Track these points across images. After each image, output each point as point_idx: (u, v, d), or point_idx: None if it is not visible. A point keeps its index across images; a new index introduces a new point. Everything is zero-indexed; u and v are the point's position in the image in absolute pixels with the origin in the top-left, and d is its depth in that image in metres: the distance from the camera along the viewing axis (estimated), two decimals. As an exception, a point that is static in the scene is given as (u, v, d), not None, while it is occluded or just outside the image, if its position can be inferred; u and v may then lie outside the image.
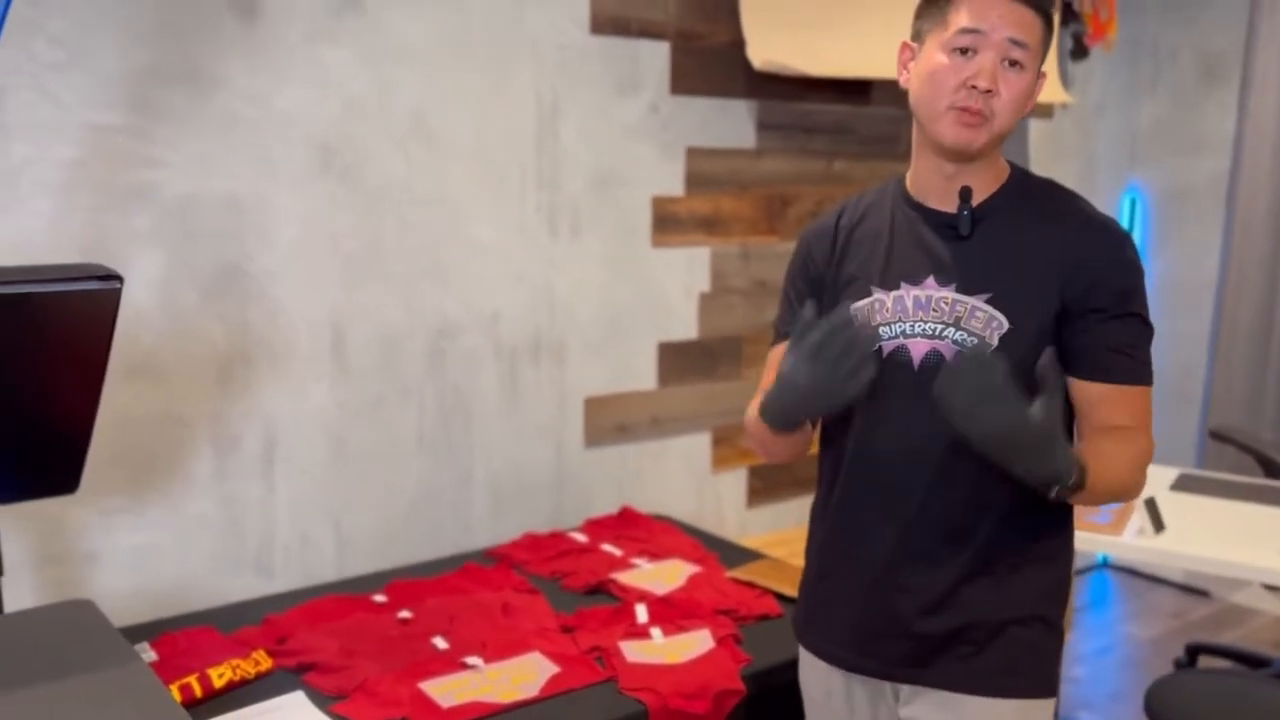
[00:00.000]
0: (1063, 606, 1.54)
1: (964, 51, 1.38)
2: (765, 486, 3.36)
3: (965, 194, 1.44)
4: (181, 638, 1.94)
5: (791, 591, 2.18)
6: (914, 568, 1.46)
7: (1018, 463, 1.31)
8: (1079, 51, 3.92)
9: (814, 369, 1.34)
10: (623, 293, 2.93)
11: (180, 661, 1.82)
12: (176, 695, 1.71)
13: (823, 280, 1.56)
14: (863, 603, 1.49)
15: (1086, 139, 4.17)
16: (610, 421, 2.95)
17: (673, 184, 2.98)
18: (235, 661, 1.83)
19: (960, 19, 1.38)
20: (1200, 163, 4.08)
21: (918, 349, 1.43)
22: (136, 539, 2.25)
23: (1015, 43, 1.38)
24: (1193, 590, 4.13)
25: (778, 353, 1.58)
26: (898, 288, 1.46)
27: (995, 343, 1.40)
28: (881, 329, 1.45)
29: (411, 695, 1.75)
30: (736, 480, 3.29)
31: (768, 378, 1.58)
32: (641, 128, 2.89)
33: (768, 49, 2.91)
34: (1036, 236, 1.44)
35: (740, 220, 3.14)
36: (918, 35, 1.45)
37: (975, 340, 1.41)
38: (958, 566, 1.44)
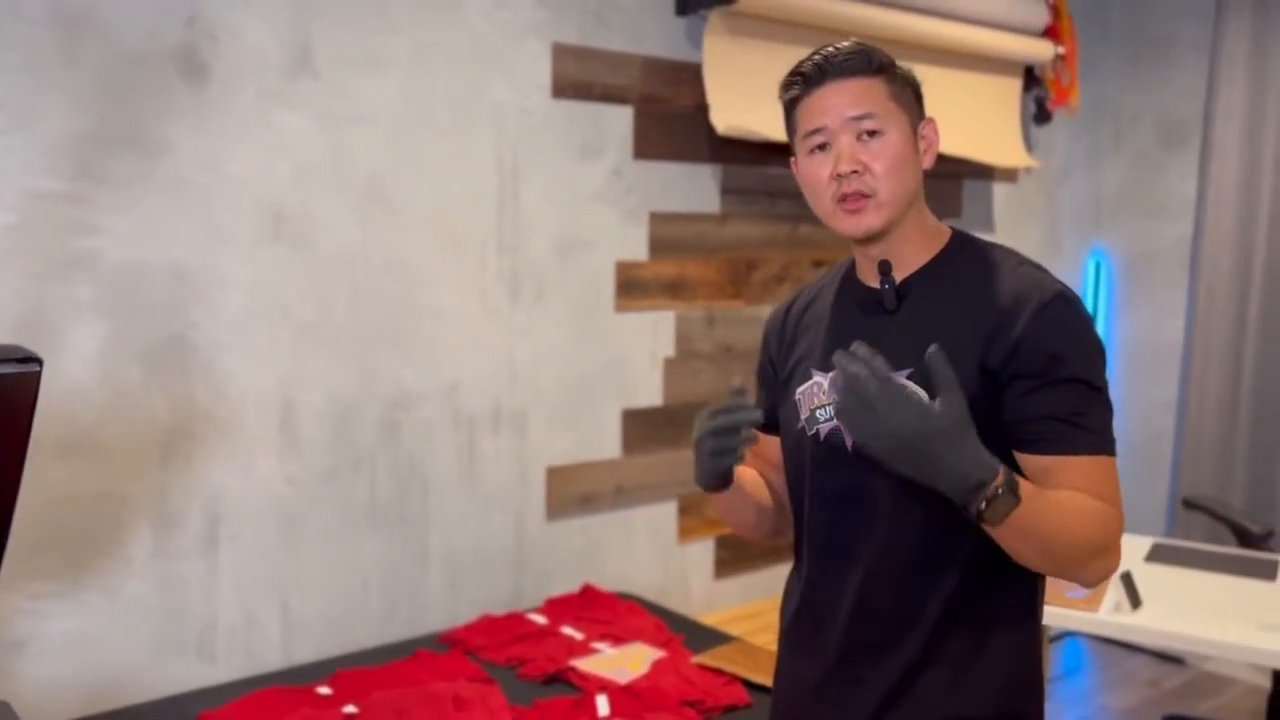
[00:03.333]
0: (1037, 702, 1.46)
1: (821, 148, 1.38)
2: (733, 557, 3.28)
3: (884, 268, 1.42)
4: (110, 739, 1.82)
5: (761, 678, 2.09)
6: (865, 657, 1.39)
7: (929, 466, 1.23)
8: (1042, 116, 3.93)
9: (697, 451, 1.40)
10: (586, 359, 2.85)
11: (107, 766, 1.70)
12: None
13: (776, 366, 1.56)
14: (816, 694, 1.44)
15: (1050, 202, 4.17)
16: (573, 491, 2.85)
17: (637, 248, 2.92)
18: (166, 766, 1.71)
19: (804, 123, 1.39)
20: (1164, 226, 4.08)
21: None
22: (68, 625, 2.12)
23: (858, 118, 1.36)
24: (1167, 658, 4.07)
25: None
26: (832, 368, 1.38)
27: None
28: (818, 412, 1.43)
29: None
30: (704, 551, 3.20)
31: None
32: (605, 192, 2.84)
33: (731, 114, 2.87)
34: (961, 305, 1.39)
35: (705, 284, 3.08)
36: (792, 149, 1.45)
37: None
38: (907, 654, 1.36)
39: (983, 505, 1.23)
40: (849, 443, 1.41)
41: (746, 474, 1.58)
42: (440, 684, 2.06)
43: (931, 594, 1.38)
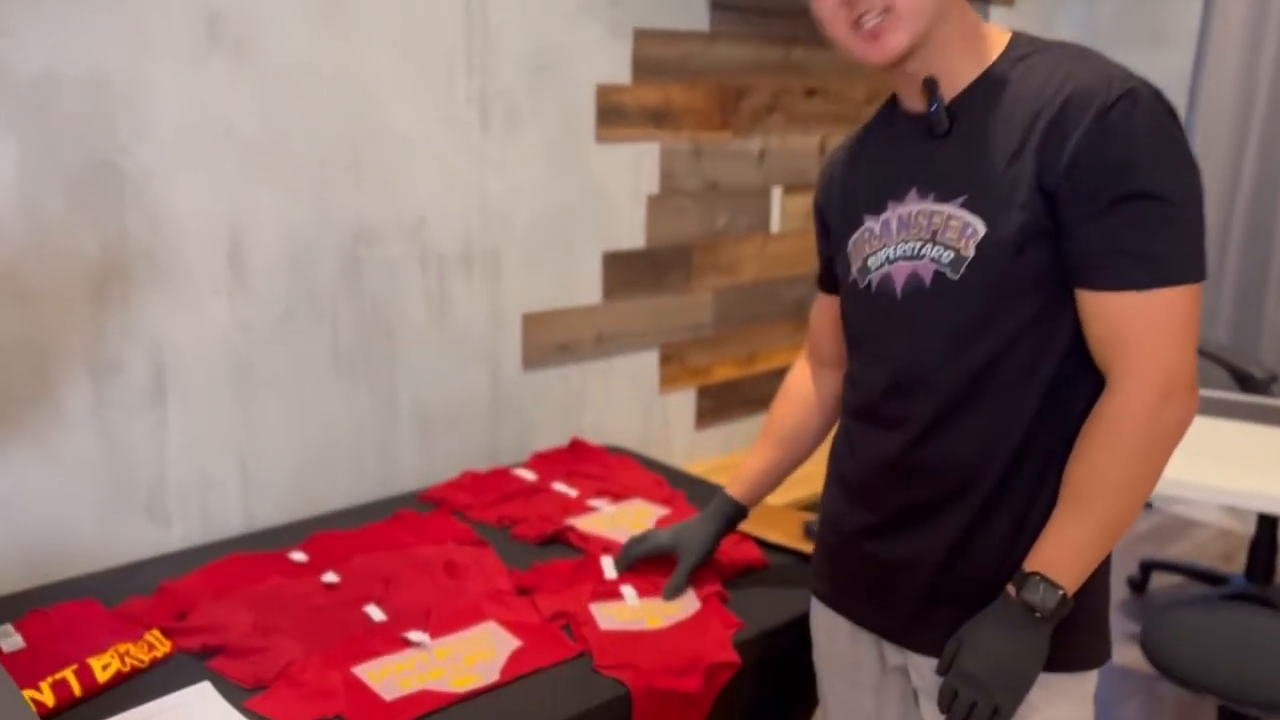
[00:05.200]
0: (1102, 576, 1.33)
1: None
2: (715, 406, 3.11)
3: (930, 85, 1.25)
4: (55, 616, 1.60)
5: (774, 535, 1.93)
6: (915, 516, 1.33)
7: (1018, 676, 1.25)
8: (1045, -66, 3.63)
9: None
10: (564, 195, 2.59)
11: (54, 648, 1.48)
12: (48, 697, 1.38)
13: (830, 219, 1.47)
14: (863, 552, 1.39)
15: (1048, 29, 3.91)
16: (551, 339, 2.63)
17: (619, 70, 2.62)
18: (124, 647, 1.50)
19: None
20: (1163, 57, 3.87)
21: (899, 275, 1.30)
22: (-2, 489, 1.88)
23: None
24: (1140, 504, 4.04)
25: (819, 303, 1.61)
26: (884, 209, 1.33)
27: (971, 252, 1.21)
28: (869, 260, 1.34)
29: (346, 683, 1.45)
30: (685, 401, 3.02)
31: (811, 328, 1.63)
32: (585, 5, 2.52)
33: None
34: (1020, 117, 1.20)
35: (691, 113, 2.81)
36: None
37: (952, 254, 1.23)
38: (963, 515, 1.29)
39: (1035, 610, 1.22)
40: (899, 291, 1.30)
41: (760, 463, 1.70)
42: (428, 547, 1.87)
43: (988, 444, 1.27)
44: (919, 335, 1.29)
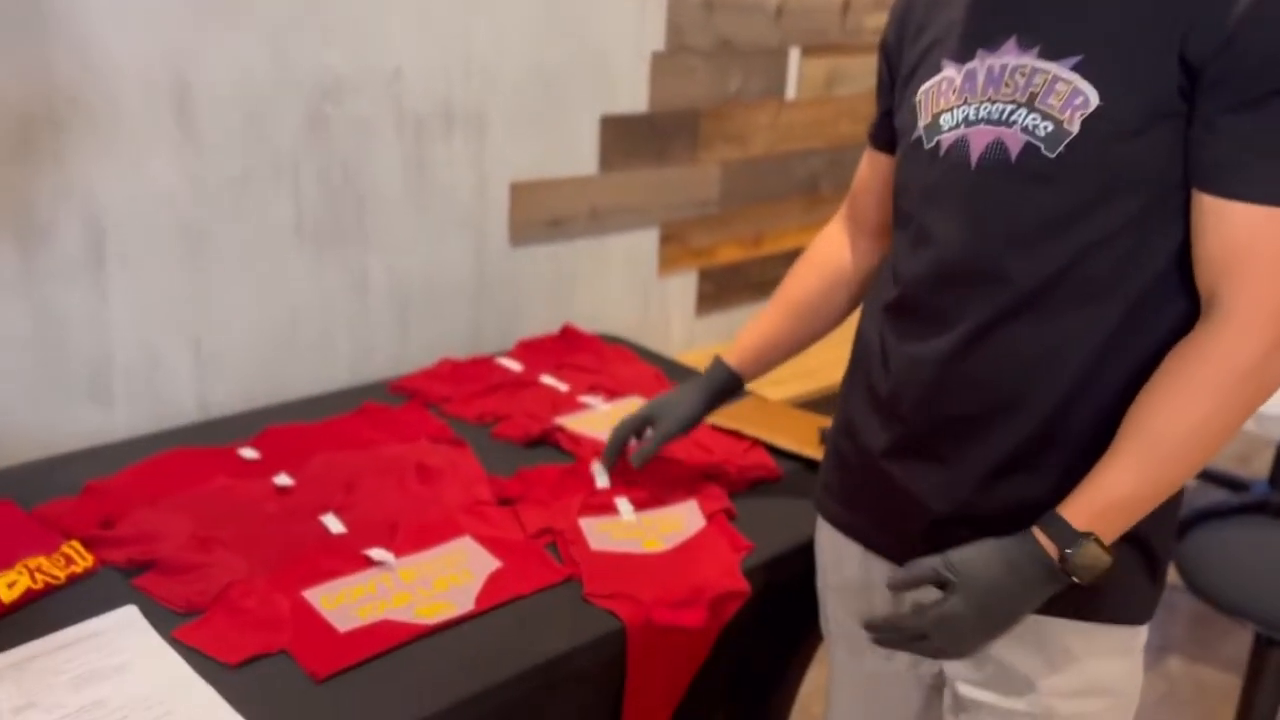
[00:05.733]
0: (1169, 525, 1.14)
1: None
2: (717, 291, 2.87)
3: None
4: (-39, 520, 1.39)
5: (786, 442, 1.72)
6: (954, 431, 1.12)
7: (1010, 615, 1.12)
8: None
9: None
10: (558, 48, 2.30)
11: (-44, 559, 1.27)
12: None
13: (899, 58, 1.22)
14: (882, 471, 1.19)
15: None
16: (541, 213, 2.38)
17: (624, -93, 2.31)
18: (36, 561, 1.28)
19: None
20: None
21: (979, 140, 1.07)
22: (-93, 367, 1.65)
23: None
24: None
25: (869, 160, 1.36)
26: (972, 57, 1.09)
27: (1076, 127, 1.00)
28: (943, 118, 1.11)
29: (294, 610, 1.25)
30: (685, 285, 2.79)
31: (855, 187, 1.38)
32: None
33: None
34: None
35: (704, -40, 2.50)
36: None
37: (1051, 126, 1.02)
38: (1006, 441, 1.09)
39: (1072, 575, 1.04)
40: (974, 159, 1.06)
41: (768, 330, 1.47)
42: (398, 446, 1.65)
43: (1052, 360, 1.07)
44: (990, 217, 1.07)
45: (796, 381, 2.60)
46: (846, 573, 1.30)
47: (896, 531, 1.20)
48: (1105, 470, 1.03)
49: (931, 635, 1.12)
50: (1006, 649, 1.16)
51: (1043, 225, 1.03)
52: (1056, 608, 1.11)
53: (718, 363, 1.50)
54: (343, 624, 1.23)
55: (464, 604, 1.28)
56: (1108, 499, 1.02)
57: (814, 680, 1.75)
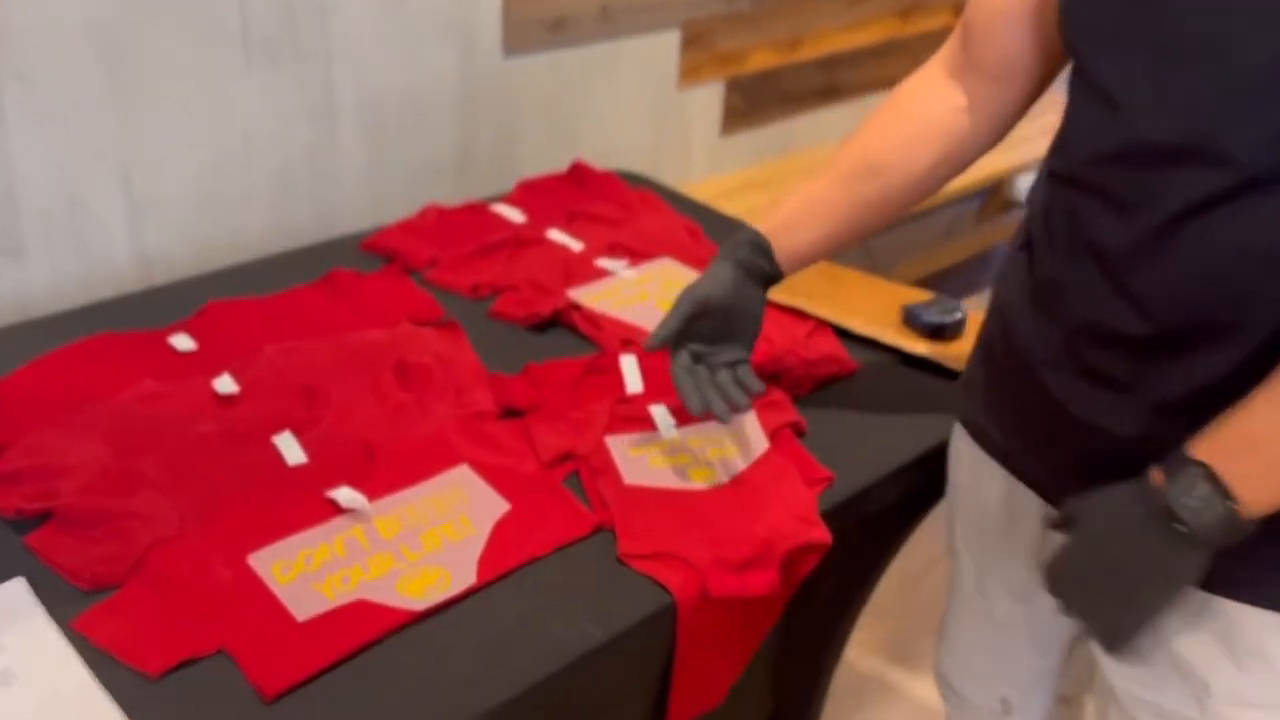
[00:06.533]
0: None
1: None
2: (746, 105, 2.47)
3: None
4: None
5: (861, 324, 1.38)
6: (1136, 349, 0.87)
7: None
8: None
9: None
10: None
11: None
12: None
13: None
14: (1041, 384, 0.94)
15: None
16: (540, 13, 1.95)
17: None
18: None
19: None
20: None
21: None
22: None
23: None
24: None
25: None
26: None
27: None
28: None
29: (237, 583, 0.94)
30: (710, 98, 2.38)
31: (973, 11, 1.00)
32: None
33: None
34: None
35: None
36: None
37: None
38: (1211, 362, 0.83)
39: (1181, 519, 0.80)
40: None
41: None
42: (372, 332, 1.30)
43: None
44: (1225, 66, 0.76)
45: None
46: (985, 499, 1.08)
47: (1052, 462, 0.96)
48: (1248, 400, 0.79)
49: (1059, 593, 0.92)
50: (1178, 635, 0.89)
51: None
52: (1251, 593, 0.86)
53: (749, 235, 1.08)
54: (301, 608, 0.92)
55: (463, 574, 0.97)
56: (1239, 431, 0.79)
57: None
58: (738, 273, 1.05)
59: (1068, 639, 1.12)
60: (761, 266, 1.06)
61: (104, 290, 1.60)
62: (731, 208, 2.30)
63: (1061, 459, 0.95)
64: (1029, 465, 1.01)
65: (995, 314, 1.02)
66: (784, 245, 1.06)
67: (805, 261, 1.08)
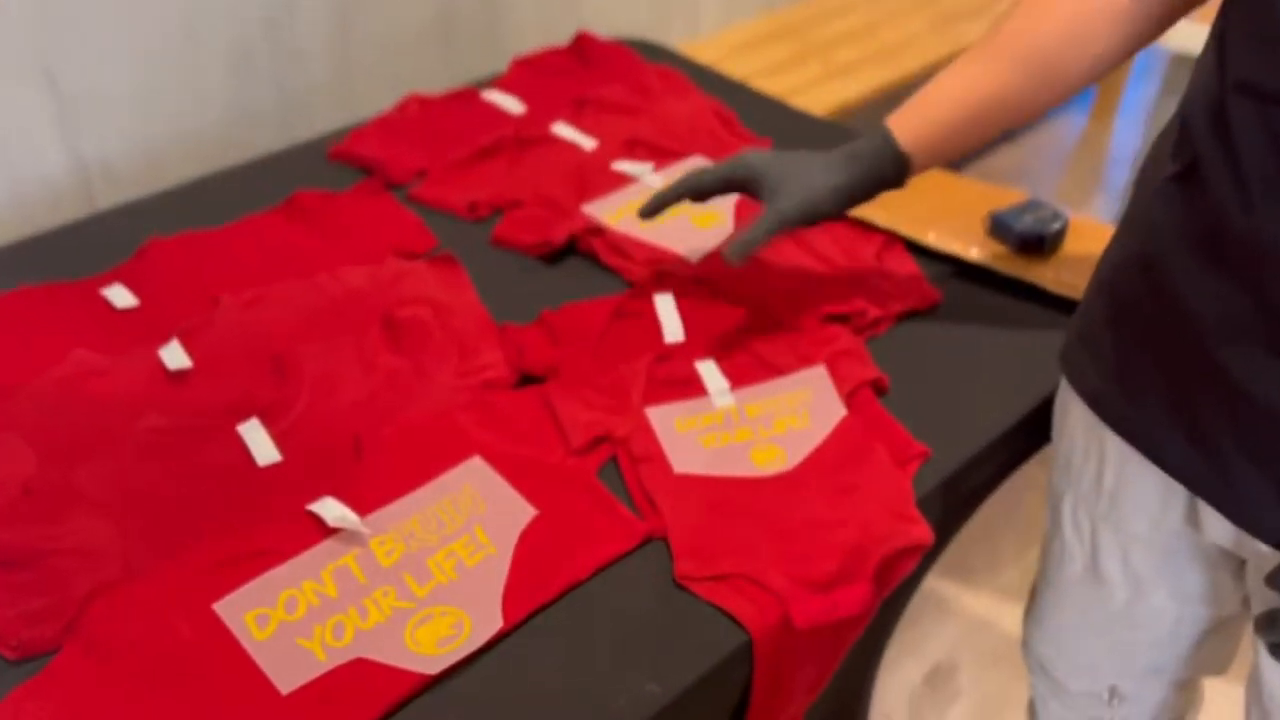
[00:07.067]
0: None
1: None
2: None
3: None
4: None
5: (945, 240, 1.15)
6: None
7: None
8: None
9: None
10: None
11: None
12: None
13: None
14: (1226, 360, 0.73)
15: None
16: None
17: None
18: None
19: None
20: None
21: None
22: None
23: None
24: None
25: None
26: None
27: None
28: None
29: (200, 641, 0.75)
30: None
31: None
32: None
33: None
34: None
35: None
36: None
37: None
38: None
39: None
40: None
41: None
42: (350, 273, 1.07)
43: None
44: None
45: (872, 68, 1.99)
46: (1103, 479, 0.89)
47: (1212, 450, 0.76)
48: None
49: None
50: None
51: None
52: None
53: (881, 137, 0.92)
54: (285, 676, 0.73)
55: (485, 615, 0.77)
56: None
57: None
58: (843, 176, 0.93)
59: (1203, 632, 0.95)
60: (885, 177, 0.93)
61: (39, 210, 1.37)
62: (745, 65, 2.03)
63: (1236, 459, 0.75)
64: (1172, 450, 0.80)
65: (1136, 261, 0.80)
66: (921, 156, 0.92)
67: (939, 163, 0.94)
